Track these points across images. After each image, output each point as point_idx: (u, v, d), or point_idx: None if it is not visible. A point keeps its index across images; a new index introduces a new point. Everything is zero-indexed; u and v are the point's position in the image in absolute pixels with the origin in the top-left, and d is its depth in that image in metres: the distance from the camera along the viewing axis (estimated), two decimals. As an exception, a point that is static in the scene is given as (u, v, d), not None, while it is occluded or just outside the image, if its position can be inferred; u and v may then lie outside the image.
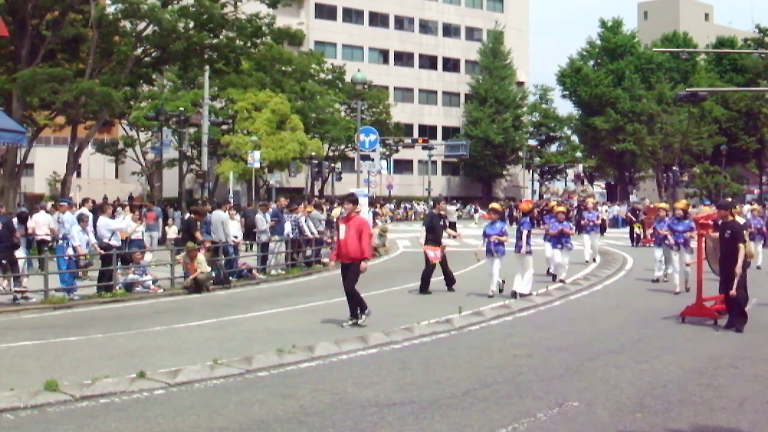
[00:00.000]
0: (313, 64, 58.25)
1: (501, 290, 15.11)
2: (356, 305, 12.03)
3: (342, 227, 12.00)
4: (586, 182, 76.05)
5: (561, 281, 17.20)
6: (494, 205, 16.24)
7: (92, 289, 16.25)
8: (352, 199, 12.45)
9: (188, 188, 51.15)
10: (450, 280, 16.45)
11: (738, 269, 11.20)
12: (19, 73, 27.53)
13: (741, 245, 11.26)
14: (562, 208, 18.87)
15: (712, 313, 12.01)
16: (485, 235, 15.25)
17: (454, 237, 19.40)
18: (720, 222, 11.88)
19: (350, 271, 11.96)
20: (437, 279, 17.56)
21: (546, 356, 9.92)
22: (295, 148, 48.24)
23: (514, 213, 53.81)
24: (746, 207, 26.03)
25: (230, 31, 34.08)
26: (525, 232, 15.23)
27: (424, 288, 16.05)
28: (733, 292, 11.32)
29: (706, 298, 12.30)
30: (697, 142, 65.56)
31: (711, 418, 7.20)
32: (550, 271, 18.37)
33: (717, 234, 11.99)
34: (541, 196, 76.14)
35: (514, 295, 14.76)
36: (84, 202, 23.63)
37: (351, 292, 11.95)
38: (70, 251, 16.19)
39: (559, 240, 17.70)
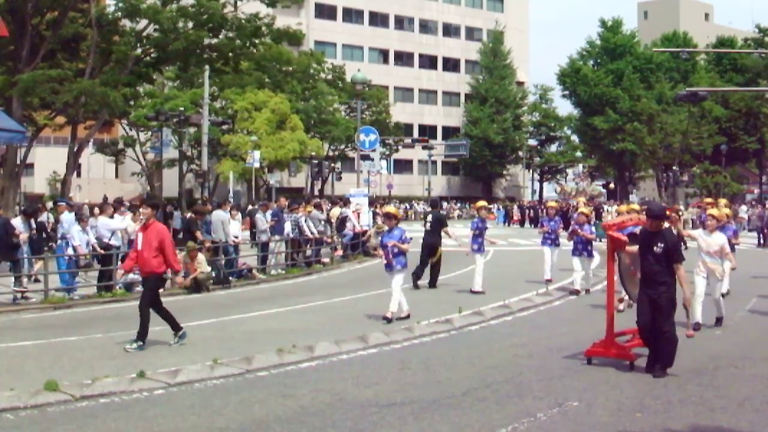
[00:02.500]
0: (313, 64, 58.24)
1: (408, 316, 12.72)
2: (145, 326, 10.47)
3: (139, 236, 10.81)
4: (593, 183, 75.87)
5: (575, 292, 15.65)
6: (389, 208, 14.25)
7: (92, 289, 16.24)
8: (150, 203, 11.22)
9: (188, 188, 51.16)
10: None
11: (688, 300, 8.88)
12: (19, 76, 27.55)
13: (678, 265, 8.69)
14: (585, 210, 16.58)
15: (625, 353, 9.18)
16: (382, 245, 13.02)
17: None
18: (643, 232, 9.09)
19: (145, 285, 10.93)
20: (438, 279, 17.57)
21: (546, 356, 9.92)
22: (295, 147, 48.25)
23: (513, 214, 53.89)
24: (743, 207, 25.26)
25: (230, 31, 34.10)
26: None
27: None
28: (689, 333, 9.59)
29: (619, 332, 9.61)
30: (697, 142, 65.56)
31: (711, 418, 7.21)
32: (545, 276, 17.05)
33: (635, 248, 9.20)
34: (541, 196, 76.17)
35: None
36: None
37: (143, 309, 10.50)
38: (70, 251, 16.19)
39: (578, 247, 15.62)
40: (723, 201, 18.23)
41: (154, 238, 10.48)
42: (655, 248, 8.69)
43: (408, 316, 12.64)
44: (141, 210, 11.47)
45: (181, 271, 10.67)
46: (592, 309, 13.98)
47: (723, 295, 12.85)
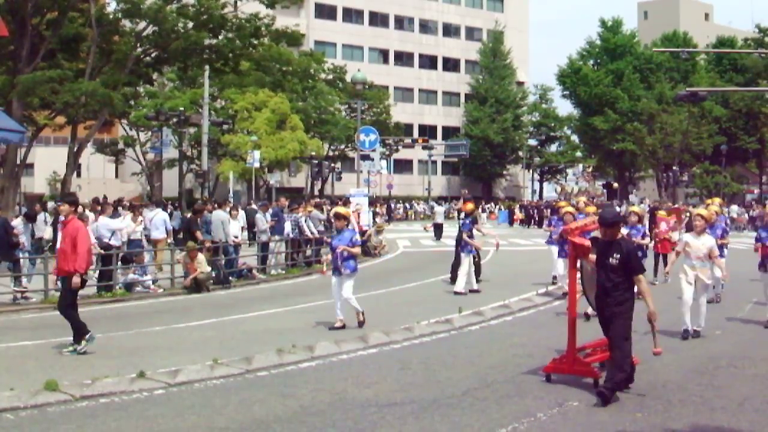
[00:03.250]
0: (313, 64, 58.26)
1: (362, 323, 11.92)
2: (76, 327, 10.20)
3: (59, 234, 10.33)
4: (596, 183, 75.86)
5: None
6: (339, 209, 13.05)
7: (92, 289, 16.24)
8: (69, 199, 10.68)
9: (188, 188, 51.17)
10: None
11: (653, 315, 7.78)
12: (18, 77, 27.56)
13: (640, 277, 7.78)
14: (571, 209, 15.55)
15: (588, 369, 8.42)
16: (331, 248, 12.22)
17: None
18: (598, 241, 8.07)
19: (63, 285, 10.39)
20: (437, 279, 17.60)
21: (546, 356, 9.90)
22: (295, 147, 48.26)
23: (517, 213, 53.84)
24: (734, 207, 24.13)
25: (229, 31, 34.12)
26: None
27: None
28: (656, 351, 8.12)
29: (582, 346, 8.81)
30: (697, 142, 65.57)
31: (711, 418, 7.21)
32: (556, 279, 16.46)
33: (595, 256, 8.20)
34: (541, 196, 76.17)
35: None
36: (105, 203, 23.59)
37: (66, 312, 10.24)
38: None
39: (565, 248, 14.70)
40: (717, 200, 17.55)
41: (70, 236, 10.09)
42: (610, 259, 7.69)
43: (363, 322, 11.80)
44: (59, 207, 10.95)
45: (83, 272, 9.97)
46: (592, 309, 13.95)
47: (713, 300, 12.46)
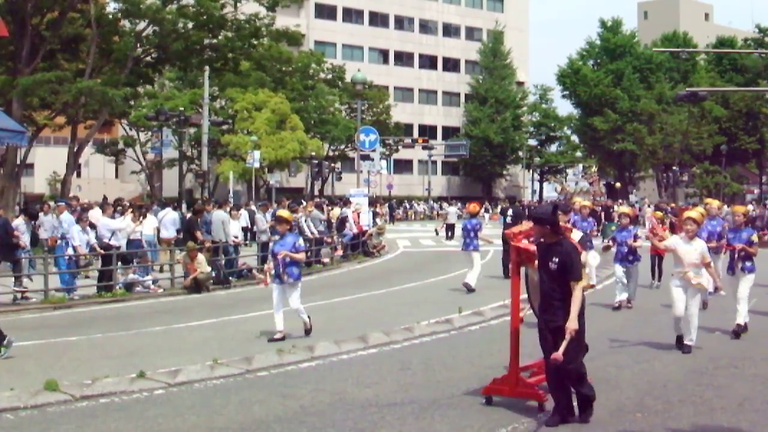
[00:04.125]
0: (313, 64, 58.26)
1: (308, 331, 11.25)
2: None
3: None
4: (600, 183, 75.66)
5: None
6: (281, 212, 12.17)
7: (92, 289, 16.24)
8: None
9: (188, 188, 51.16)
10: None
11: (572, 324, 6.69)
12: (18, 79, 27.58)
13: (575, 283, 6.80)
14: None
15: (532, 391, 7.46)
16: (272, 254, 11.28)
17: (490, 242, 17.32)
18: (539, 244, 7.24)
19: None
20: (437, 279, 17.58)
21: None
22: (295, 147, 48.24)
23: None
24: (724, 208, 20.19)
25: (229, 31, 34.13)
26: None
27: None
28: (557, 355, 6.69)
29: (526, 365, 7.98)
30: (697, 142, 65.58)
31: (711, 418, 7.21)
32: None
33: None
34: (541, 197, 76.15)
35: None
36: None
37: None
38: (69, 251, 16.18)
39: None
40: (716, 203, 15.98)
41: None
42: (550, 264, 6.88)
43: (309, 330, 11.17)
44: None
45: None
46: (593, 309, 13.94)
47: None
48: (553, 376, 6.97)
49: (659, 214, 16.40)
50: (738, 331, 11.05)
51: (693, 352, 9.86)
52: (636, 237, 13.75)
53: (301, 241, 11.49)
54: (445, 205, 42.97)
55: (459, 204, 68.35)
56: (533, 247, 7.43)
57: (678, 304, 10.02)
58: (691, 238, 10.09)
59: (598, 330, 11.85)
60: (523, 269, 7.84)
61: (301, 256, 11.41)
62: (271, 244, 12.21)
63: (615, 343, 10.73)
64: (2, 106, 27.39)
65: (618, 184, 75.08)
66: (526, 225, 7.80)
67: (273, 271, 11.05)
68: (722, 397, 7.90)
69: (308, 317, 11.23)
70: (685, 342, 10.06)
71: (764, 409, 7.51)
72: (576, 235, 8.66)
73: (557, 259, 6.85)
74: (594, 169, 79.87)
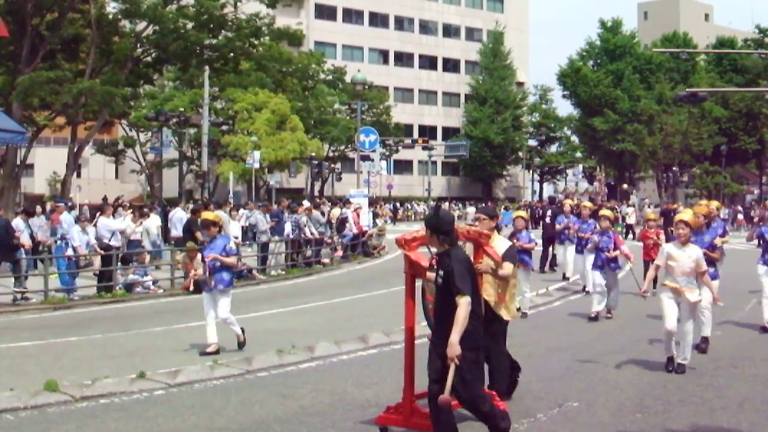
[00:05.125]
0: (313, 64, 58.29)
1: (242, 344, 10.52)
2: None
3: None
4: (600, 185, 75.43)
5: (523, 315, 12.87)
6: (208, 214, 11.43)
7: (92, 290, 16.25)
8: None
9: (188, 188, 51.14)
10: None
11: (451, 350, 5.64)
12: (18, 79, 27.60)
13: (460, 300, 5.70)
14: (522, 213, 14.35)
15: (427, 422, 6.32)
16: (202, 259, 10.82)
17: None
18: (435, 254, 6.24)
19: None
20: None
21: (546, 356, 9.92)
22: (295, 148, 48.25)
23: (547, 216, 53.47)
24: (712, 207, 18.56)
25: (229, 31, 34.15)
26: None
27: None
28: (444, 398, 5.77)
29: (421, 393, 6.68)
30: (697, 143, 65.58)
31: (711, 418, 7.21)
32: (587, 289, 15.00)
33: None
34: (540, 197, 76.10)
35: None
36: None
37: None
38: (69, 251, 16.19)
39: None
40: (715, 203, 14.84)
41: None
42: (437, 277, 5.99)
43: (243, 343, 10.43)
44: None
45: None
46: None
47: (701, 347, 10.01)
48: (435, 413, 5.98)
49: (652, 215, 16.20)
50: (703, 347, 9.99)
51: (693, 353, 9.84)
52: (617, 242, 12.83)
53: (232, 245, 10.72)
54: (468, 206, 42.37)
55: (459, 204, 68.53)
56: (425, 260, 6.57)
57: (670, 317, 8.79)
58: (684, 243, 8.86)
59: (599, 330, 11.86)
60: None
61: (232, 260, 10.51)
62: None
63: (615, 343, 10.72)
64: (2, 106, 27.44)
65: (625, 186, 74.91)
66: (420, 232, 6.56)
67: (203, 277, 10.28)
68: (722, 397, 7.90)
69: (242, 329, 10.46)
70: (678, 361, 8.87)
71: (764, 409, 7.51)
72: (500, 245, 7.50)
73: (442, 272, 5.90)
74: (599, 169, 79.57)
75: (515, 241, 12.23)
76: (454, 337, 5.63)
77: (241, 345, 10.43)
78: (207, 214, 11.34)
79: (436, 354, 5.98)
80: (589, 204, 16.79)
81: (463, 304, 5.70)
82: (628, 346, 10.48)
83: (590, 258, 13.42)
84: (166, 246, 21.13)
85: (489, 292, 7.45)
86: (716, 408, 7.50)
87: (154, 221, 19.75)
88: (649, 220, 16.63)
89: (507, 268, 7.38)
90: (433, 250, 6.21)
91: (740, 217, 48.45)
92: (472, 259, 6.66)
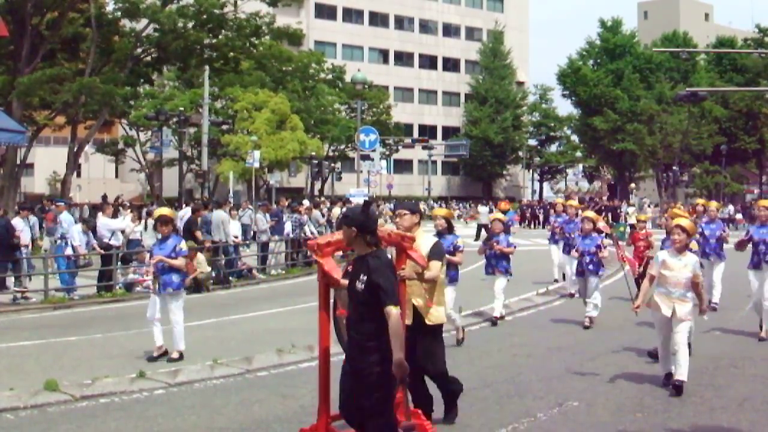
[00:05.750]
0: (313, 64, 58.28)
1: (171, 358, 9.74)
2: None
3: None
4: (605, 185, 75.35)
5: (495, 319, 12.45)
6: (164, 211, 10.60)
7: (92, 289, 16.25)
8: None
9: (188, 188, 51.15)
10: None
11: (402, 369, 4.95)
12: (18, 79, 27.62)
13: (392, 310, 5.01)
14: (500, 215, 13.36)
15: None
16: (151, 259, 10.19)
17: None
18: (350, 258, 5.90)
19: None
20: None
21: (546, 356, 9.92)
22: (295, 147, 48.22)
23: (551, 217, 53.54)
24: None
25: (229, 30, 34.17)
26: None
27: None
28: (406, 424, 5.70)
29: (335, 415, 5.86)
30: (696, 142, 65.57)
31: (711, 418, 7.21)
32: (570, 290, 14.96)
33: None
34: (540, 196, 76.13)
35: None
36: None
37: None
38: (68, 251, 16.19)
39: (491, 262, 12.41)
40: (714, 204, 14.63)
41: None
42: (357, 283, 5.20)
43: (181, 356, 9.71)
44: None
45: None
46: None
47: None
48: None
49: (643, 217, 14.73)
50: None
51: (693, 353, 9.84)
52: (601, 246, 11.92)
53: (183, 246, 9.89)
54: (480, 206, 42.05)
55: (459, 204, 68.59)
56: (337, 270, 5.81)
57: (662, 330, 8.20)
58: (680, 251, 8.04)
59: (599, 330, 11.86)
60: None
61: (180, 262, 9.70)
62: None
63: (615, 343, 10.72)
64: (2, 106, 27.45)
65: (633, 185, 74.91)
66: (337, 235, 5.79)
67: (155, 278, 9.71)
68: (722, 397, 7.90)
69: (180, 352, 9.73)
70: (676, 377, 7.96)
71: (764, 409, 7.51)
72: (425, 242, 6.77)
73: (365, 277, 5.12)
74: (604, 168, 79.50)
75: (494, 244, 12.00)
76: (399, 354, 4.95)
77: (170, 358, 9.61)
78: (163, 211, 10.50)
79: (349, 374, 5.23)
80: (575, 203, 16.47)
81: (396, 315, 5.02)
82: (628, 346, 10.48)
83: (575, 263, 12.74)
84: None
85: (417, 297, 6.71)
86: (716, 408, 7.50)
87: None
88: (639, 221, 15.25)
89: (434, 267, 6.62)
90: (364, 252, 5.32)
91: (739, 216, 48.46)
92: (396, 263, 6.09)
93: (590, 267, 11.85)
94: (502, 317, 12.49)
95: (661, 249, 9.71)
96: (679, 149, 65.32)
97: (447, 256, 9.83)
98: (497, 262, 12.15)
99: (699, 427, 6.94)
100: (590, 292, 11.98)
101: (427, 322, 6.69)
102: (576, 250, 12.16)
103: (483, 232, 28.69)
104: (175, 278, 9.67)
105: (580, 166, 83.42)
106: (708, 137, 66.06)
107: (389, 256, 5.51)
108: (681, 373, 7.91)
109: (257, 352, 9.91)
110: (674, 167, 63.21)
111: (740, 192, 69.94)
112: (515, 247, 12.48)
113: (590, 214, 12.68)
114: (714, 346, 10.44)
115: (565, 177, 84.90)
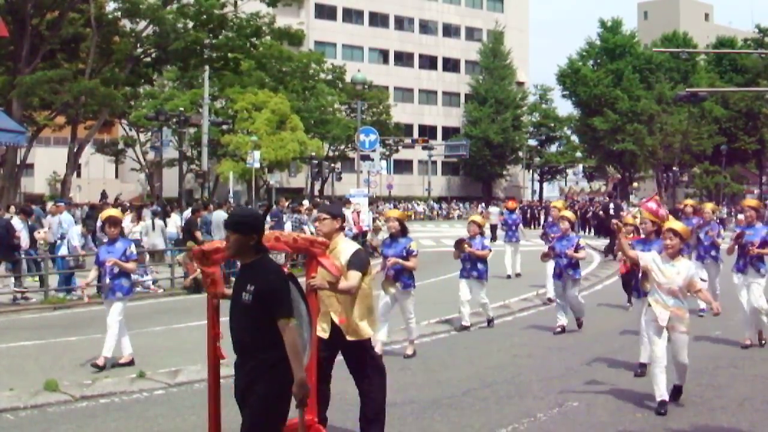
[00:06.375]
0: (313, 64, 58.32)
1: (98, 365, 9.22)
2: None
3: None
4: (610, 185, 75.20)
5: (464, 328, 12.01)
6: (112, 212, 10.19)
7: (92, 289, 16.21)
8: None
9: (188, 188, 51.15)
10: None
11: (302, 389, 4.55)
12: (18, 79, 27.64)
13: (286, 324, 4.53)
14: (477, 218, 12.44)
15: None
16: (97, 262, 9.70)
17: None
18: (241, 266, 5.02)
19: None
20: (437, 279, 17.55)
21: (546, 356, 9.92)
22: (295, 148, 48.25)
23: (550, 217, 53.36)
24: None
25: (229, 31, 34.20)
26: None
27: None
28: None
29: None
30: (697, 142, 65.58)
31: (711, 418, 7.21)
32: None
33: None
34: (541, 197, 76.10)
35: None
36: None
37: None
38: (63, 250, 16.18)
39: (466, 266, 11.89)
40: (709, 206, 14.16)
41: None
42: (244, 294, 4.65)
43: (132, 362, 9.38)
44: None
45: None
46: (595, 308, 13.94)
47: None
48: None
49: (630, 219, 12.61)
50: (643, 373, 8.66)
51: (693, 353, 9.81)
52: (578, 247, 11.31)
53: (133, 249, 9.47)
54: (491, 207, 41.86)
55: (459, 204, 68.66)
56: (217, 274, 5.43)
57: (658, 345, 7.36)
58: (673, 256, 7.37)
59: (599, 330, 11.85)
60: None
61: (132, 266, 9.41)
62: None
63: (615, 343, 10.72)
64: (2, 106, 27.47)
65: (635, 184, 74.81)
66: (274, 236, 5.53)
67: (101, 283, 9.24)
68: (722, 397, 7.90)
69: (131, 357, 9.41)
70: (675, 383, 7.64)
71: (764, 409, 7.51)
72: (345, 249, 6.22)
73: (253, 287, 4.59)
74: (610, 168, 79.28)
75: (467, 247, 11.46)
76: (300, 374, 4.48)
77: (127, 364, 9.27)
78: (110, 211, 10.00)
79: (238, 393, 4.81)
80: (559, 204, 16.19)
81: (291, 329, 4.52)
82: (627, 346, 10.47)
83: (550, 265, 12.23)
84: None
85: (333, 310, 6.17)
86: (716, 408, 7.50)
87: (174, 221, 19.75)
88: (626, 224, 12.15)
89: (351, 278, 5.94)
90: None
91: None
92: (305, 272, 5.76)
93: (569, 271, 11.27)
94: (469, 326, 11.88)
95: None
96: (679, 149, 65.33)
97: (400, 260, 9.62)
98: (471, 266, 11.62)
99: (699, 427, 6.94)
100: (571, 298, 11.45)
101: (348, 338, 6.15)
102: (552, 250, 11.56)
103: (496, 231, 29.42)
104: (125, 283, 9.32)
105: (580, 166, 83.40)
106: (708, 137, 66.08)
107: (278, 264, 4.97)
108: (681, 377, 7.66)
109: (257, 352, 9.89)
110: (674, 167, 63.24)
111: (740, 192, 69.92)
112: (490, 250, 11.95)
113: (567, 213, 12.03)
114: (714, 346, 10.44)
115: (565, 177, 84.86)
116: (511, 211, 20.44)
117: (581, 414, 7.29)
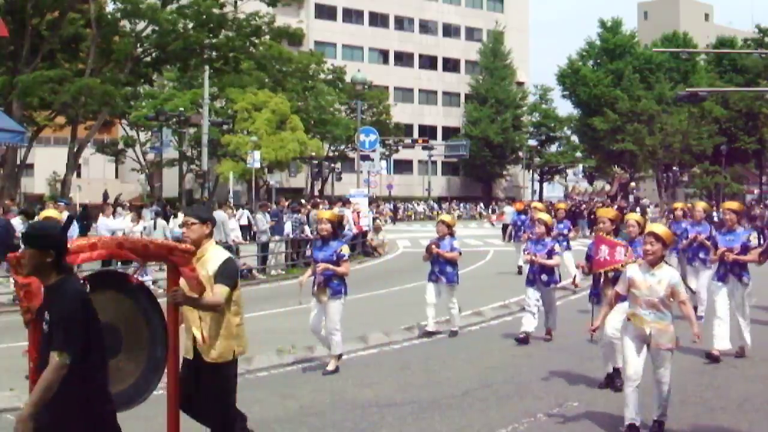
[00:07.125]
0: (312, 64, 58.33)
1: None
2: None
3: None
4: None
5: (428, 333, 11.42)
6: (50, 212, 9.34)
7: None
8: None
9: (188, 188, 51.16)
10: None
11: (19, 422, 4.16)
12: (18, 78, 27.64)
13: (55, 358, 3.96)
14: (447, 218, 12.12)
15: None
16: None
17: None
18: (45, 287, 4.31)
19: None
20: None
21: (546, 356, 9.92)
22: (295, 148, 48.27)
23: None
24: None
25: (229, 30, 34.20)
26: None
27: None
28: None
29: None
30: (697, 142, 65.58)
31: (711, 418, 7.21)
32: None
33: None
34: (541, 197, 76.08)
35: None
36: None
37: None
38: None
39: (435, 269, 11.49)
40: (701, 205, 13.35)
41: None
42: (44, 323, 4.16)
43: None
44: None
45: None
46: (595, 308, 13.93)
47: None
48: None
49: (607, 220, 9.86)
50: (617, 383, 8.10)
51: (693, 353, 9.82)
52: (551, 252, 10.70)
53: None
54: (506, 207, 41.78)
55: (459, 204, 68.63)
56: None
57: (633, 363, 6.57)
58: (654, 263, 6.53)
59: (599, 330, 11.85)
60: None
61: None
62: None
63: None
64: (2, 106, 27.46)
65: (633, 184, 74.73)
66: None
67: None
68: (722, 397, 7.90)
69: None
70: (654, 418, 6.78)
71: (764, 409, 7.51)
72: (214, 257, 5.59)
73: (49, 316, 4.07)
74: (617, 168, 79.27)
75: (434, 248, 11.01)
76: (28, 409, 4.00)
77: None
78: (48, 212, 9.11)
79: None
80: (539, 205, 15.99)
81: (55, 365, 3.91)
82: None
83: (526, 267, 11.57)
84: None
85: (195, 327, 5.65)
86: (716, 408, 7.50)
87: (178, 221, 19.76)
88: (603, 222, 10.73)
89: (219, 292, 5.32)
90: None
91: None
92: (167, 285, 5.21)
93: (542, 277, 10.68)
94: (436, 332, 11.37)
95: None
96: (679, 149, 65.32)
97: (329, 266, 8.89)
98: (440, 269, 11.18)
99: (699, 427, 6.94)
100: (551, 304, 11.04)
101: (206, 359, 5.53)
102: (526, 253, 11.03)
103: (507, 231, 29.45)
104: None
105: (581, 166, 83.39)
106: (708, 137, 66.08)
107: (80, 287, 4.22)
108: (662, 414, 6.81)
109: (257, 352, 9.90)
110: (674, 167, 63.24)
111: (740, 192, 69.92)
112: (460, 253, 11.39)
113: (544, 216, 11.45)
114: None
115: (565, 177, 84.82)
116: (519, 213, 20.69)
117: (581, 414, 7.30)
